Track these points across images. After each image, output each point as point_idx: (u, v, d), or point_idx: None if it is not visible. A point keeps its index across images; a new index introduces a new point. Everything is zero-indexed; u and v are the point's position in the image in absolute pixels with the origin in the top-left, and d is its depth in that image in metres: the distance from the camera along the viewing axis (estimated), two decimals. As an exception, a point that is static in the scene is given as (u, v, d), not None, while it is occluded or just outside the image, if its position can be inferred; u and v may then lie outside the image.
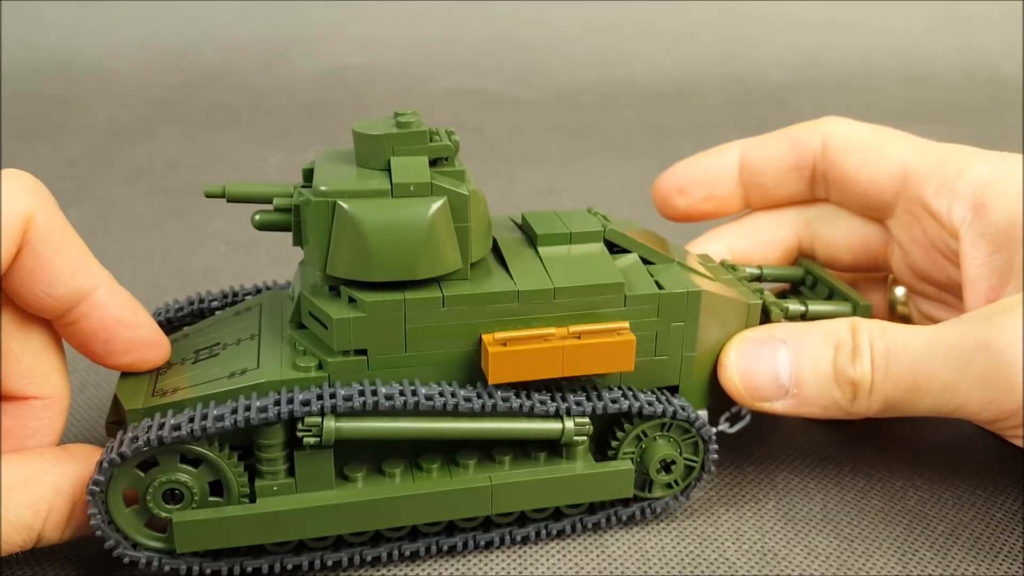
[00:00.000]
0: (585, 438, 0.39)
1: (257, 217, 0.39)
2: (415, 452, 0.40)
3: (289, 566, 0.39)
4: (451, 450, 0.40)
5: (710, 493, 0.45)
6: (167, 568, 0.37)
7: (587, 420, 0.39)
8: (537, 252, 0.41)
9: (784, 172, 0.48)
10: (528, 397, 0.38)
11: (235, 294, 0.48)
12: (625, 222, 0.47)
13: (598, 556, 0.41)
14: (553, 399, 0.39)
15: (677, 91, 1.14)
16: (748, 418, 0.45)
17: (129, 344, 0.39)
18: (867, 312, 0.45)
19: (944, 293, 0.45)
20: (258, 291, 0.48)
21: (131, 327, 0.39)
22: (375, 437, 0.37)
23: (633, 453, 0.41)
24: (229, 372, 0.38)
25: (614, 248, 0.42)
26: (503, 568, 0.40)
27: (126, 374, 0.40)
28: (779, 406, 0.41)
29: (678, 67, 1.20)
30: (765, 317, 0.43)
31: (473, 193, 0.38)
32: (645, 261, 0.42)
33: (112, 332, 0.38)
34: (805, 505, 0.44)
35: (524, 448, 0.40)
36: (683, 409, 0.40)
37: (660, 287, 0.40)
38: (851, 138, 0.46)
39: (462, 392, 0.38)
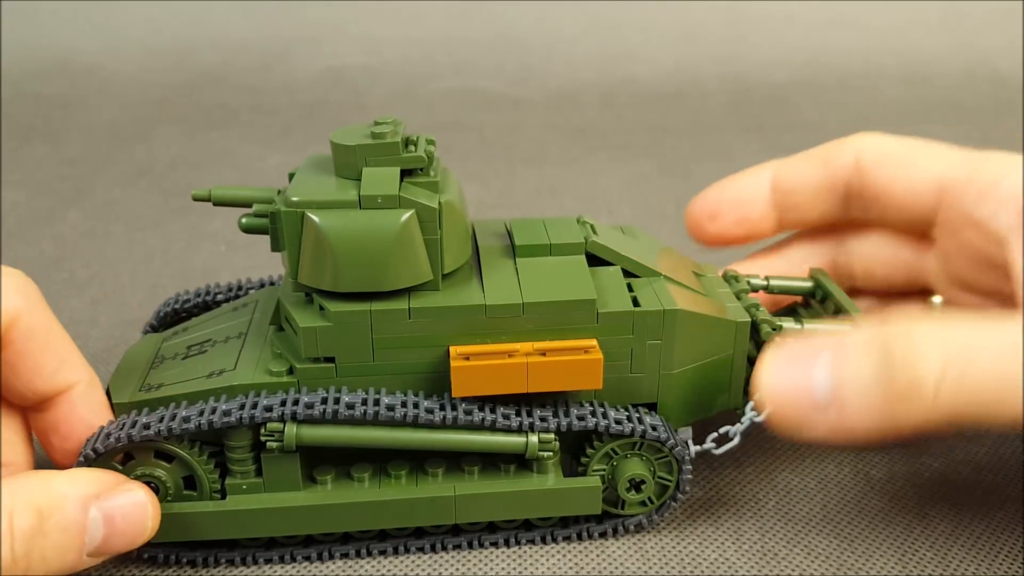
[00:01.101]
0: (551, 453, 0.39)
1: (243, 220, 0.39)
2: (384, 458, 0.40)
3: (260, 559, 0.40)
4: (420, 458, 0.40)
5: (710, 493, 0.45)
6: (145, 556, 0.40)
7: (552, 436, 0.39)
8: (515, 263, 0.40)
9: (818, 192, 0.47)
10: (492, 411, 0.38)
11: (239, 287, 0.49)
12: (627, 229, 0.46)
13: (598, 556, 0.41)
14: (519, 414, 0.38)
15: (677, 91, 1.14)
16: (737, 440, 0.42)
17: (81, 448, 0.38)
18: None
19: (989, 302, 0.44)
20: (262, 285, 0.49)
21: (92, 430, 0.38)
22: (336, 444, 0.38)
23: (604, 470, 0.40)
24: (208, 372, 0.40)
25: (599, 260, 0.41)
26: (503, 568, 0.40)
27: (121, 367, 0.42)
28: (818, 428, 0.35)
29: (678, 67, 1.20)
30: (756, 334, 0.42)
31: (446, 204, 0.38)
32: (629, 274, 0.41)
33: (74, 428, 0.38)
34: (805, 505, 0.44)
35: (493, 460, 0.40)
36: (653, 429, 0.39)
37: (637, 303, 0.39)
38: (884, 152, 0.45)
39: (425, 404, 0.38)
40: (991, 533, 0.42)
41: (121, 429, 0.37)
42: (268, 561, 0.40)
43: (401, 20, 1.27)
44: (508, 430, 0.38)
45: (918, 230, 0.46)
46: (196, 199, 0.40)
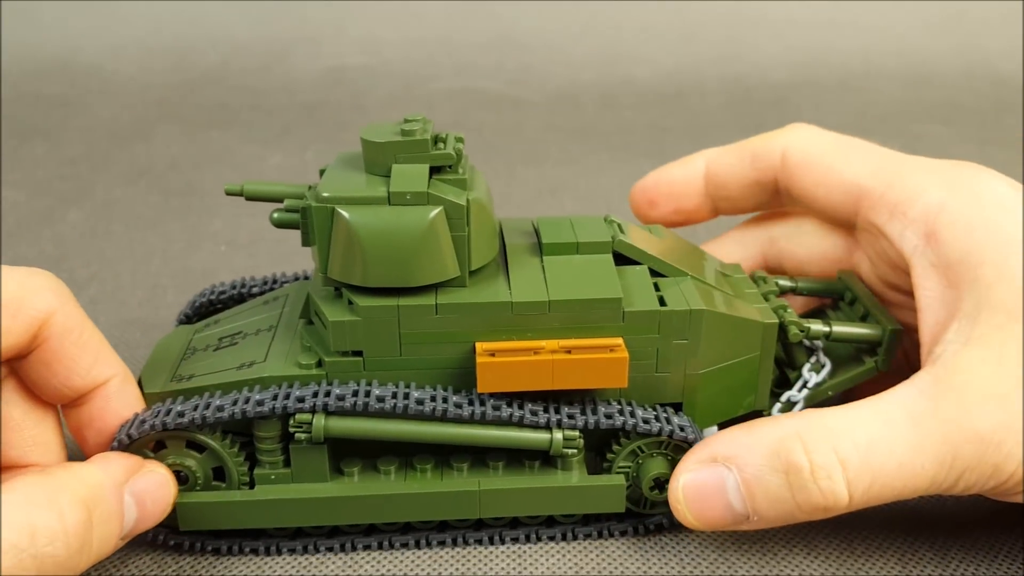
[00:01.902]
0: (576, 451, 0.39)
1: (275, 215, 0.40)
2: (410, 452, 0.40)
3: (285, 550, 0.40)
4: (446, 452, 0.40)
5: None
6: (171, 543, 0.40)
7: (577, 433, 0.39)
8: (542, 261, 0.41)
9: (747, 186, 0.47)
10: (520, 408, 0.38)
11: (274, 280, 0.50)
12: (655, 229, 0.46)
13: (598, 556, 0.41)
14: (546, 411, 0.39)
15: (677, 91, 1.14)
16: None
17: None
18: (897, 337, 0.43)
19: (913, 300, 0.44)
20: (296, 279, 0.49)
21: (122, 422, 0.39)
22: (364, 436, 0.38)
23: (629, 468, 0.40)
24: (239, 363, 0.40)
25: (627, 259, 0.41)
26: (503, 568, 0.40)
27: (153, 358, 0.43)
28: (745, 527, 0.37)
29: (678, 67, 1.20)
30: (784, 336, 0.42)
31: (474, 202, 0.38)
32: (656, 274, 0.41)
33: (108, 423, 0.39)
34: (805, 505, 0.44)
35: (518, 456, 0.40)
36: (681, 429, 0.39)
37: (663, 303, 0.39)
38: (808, 153, 0.45)
39: (453, 398, 0.38)
40: (991, 533, 0.42)
41: (155, 416, 0.38)
42: (292, 551, 0.41)
43: (401, 20, 1.27)
44: (536, 426, 0.38)
45: (844, 230, 0.46)
46: (229, 194, 0.40)
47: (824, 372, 0.43)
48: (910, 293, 0.42)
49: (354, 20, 1.27)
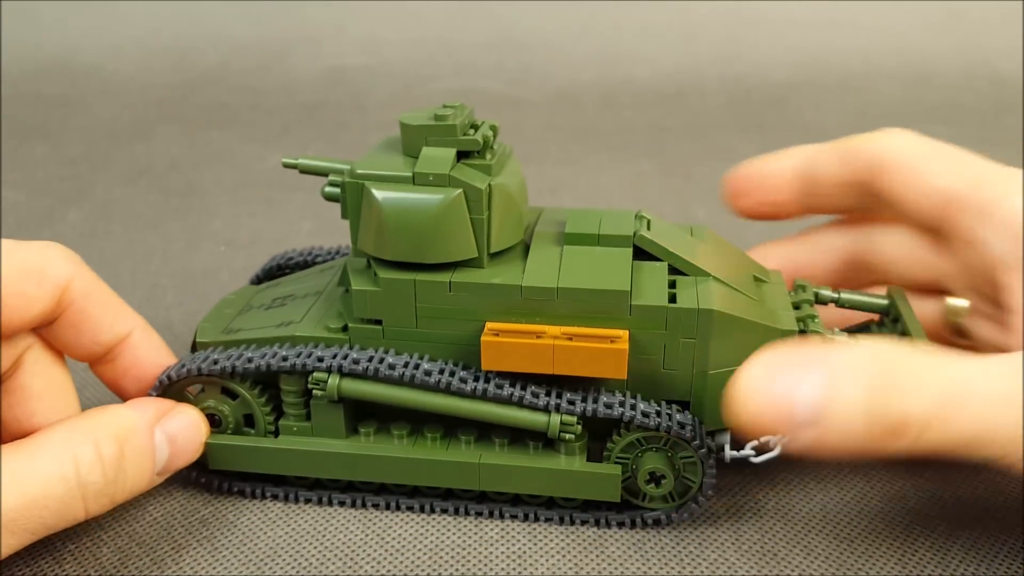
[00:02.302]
0: (574, 436, 0.40)
1: (325, 189, 0.42)
2: (422, 420, 0.43)
3: (302, 498, 0.44)
4: (454, 424, 0.42)
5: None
6: (202, 480, 0.44)
7: (575, 419, 0.39)
8: (562, 250, 0.42)
9: (839, 186, 0.47)
10: (522, 388, 0.40)
11: (338, 251, 0.54)
12: (697, 229, 0.46)
13: (598, 556, 0.41)
14: (547, 394, 0.40)
15: (677, 91, 1.14)
16: (777, 451, 0.39)
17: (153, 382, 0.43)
18: None
19: (1001, 312, 0.43)
20: None
21: (163, 368, 0.43)
22: (373, 399, 0.41)
23: (628, 459, 0.41)
24: (279, 322, 0.44)
25: (651, 256, 0.42)
26: (503, 568, 0.40)
27: (213, 312, 0.47)
28: (795, 444, 0.34)
29: (678, 67, 1.20)
30: None
31: (496, 187, 0.40)
32: (679, 272, 0.41)
33: (143, 370, 0.43)
34: (805, 505, 0.44)
35: (521, 436, 0.41)
36: (681, 426, 0.39)
37: (674, 300, 0.39)
38: (903, 156, 0.45)
39: (460, 373, 0.40)
40: (991, 533, 0.42)
41: (194, 363, 0.42)
42: (308, 501, 0.44)
43: (401, 20, 1.27)
44: (534, 408, 0.40)
45: (933, 235, 0.45)
46: (286, 166, 0.43)
47: None
48: (997, 304, 0.42)
49: (354, 20, 1.27)
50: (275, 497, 0.44)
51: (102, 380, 0.44)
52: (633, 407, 0.40)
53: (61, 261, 0.39)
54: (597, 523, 0.42)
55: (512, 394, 0.40)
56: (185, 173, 0.89)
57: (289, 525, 0.42)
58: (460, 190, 0.39)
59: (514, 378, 0.40)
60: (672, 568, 0.40)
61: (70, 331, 0.41)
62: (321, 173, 0.43)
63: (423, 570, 0.40)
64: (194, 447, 0.41)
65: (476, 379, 0.40)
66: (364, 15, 1.27)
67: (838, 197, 0.47)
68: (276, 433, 0.43)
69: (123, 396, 0.44)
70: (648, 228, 0.42)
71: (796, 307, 0.43)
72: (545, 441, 0.41)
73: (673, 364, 0.40)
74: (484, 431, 0.42)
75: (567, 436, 0.40)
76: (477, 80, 1.17)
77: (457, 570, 0.40)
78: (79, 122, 1.04)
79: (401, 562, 0.40)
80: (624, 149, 0.96)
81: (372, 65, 1.20)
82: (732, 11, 1.27)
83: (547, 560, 0.40)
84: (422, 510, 0.43)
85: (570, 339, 0.38)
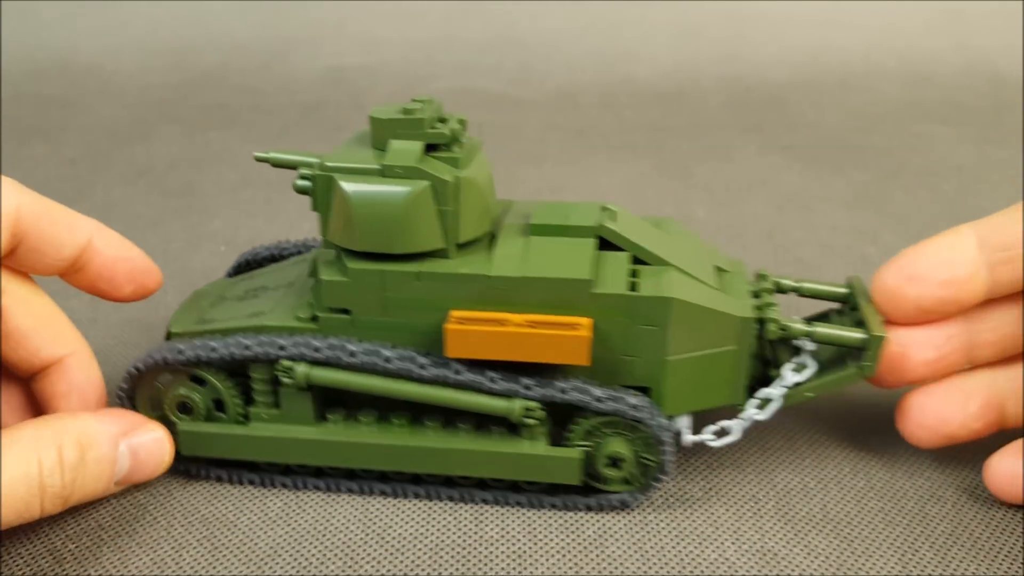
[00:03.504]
0: (536, 421, 0.41)
1: (297, 182, 0.43)
2: (391, 406, 0.44)
3: (278, 484, 0.45)
4: (421, 411, 0.43)
5: (709, 493, 0.45)
6: (180, 468, 0.45)
7: (537, 404, 0.40)
8: (529, 241, 0.42)
9: None
10: (481, 374, 0.41)
11: (304, 244, 0.55)
12: (663, 221, 0.47)
13: (598, 556, 0.41)
14: (505, 379, 0.41)
15: (677, 91, 1.14)
16: (736, 436, 0.44)
17: (129, 275, 0.45)
18: (878, 345, 0.42)
19: None
20: None
21: (127, 260, 0.45)
22: (339, 387, 0.42)
23: (589, 445, 0.42)
24: (250, 313, 0.45)
25: (615, 246, 0.43)
26: (503, 568, 0.40)
27: (187, 303, 0.48)
28: None
29: (678, 67, 1.20)
30: (766, 332, 0.42)
31: (463, 180, 0.41)
32: (640, 262, 0.42)
33: (113, 269, 0.44)
34: (805, 505, 0.44)
35: (486, 421, 0.43)
36: (634, 408, 0.40)
37: (634, 288, 0.40)
38: None
39: (420, 359, 0.41)
40: (991, 533, 0.42)
41: (160, 353, 0.43)
42: (284, 486, 0.45)
43: (401, 20, 1.27)
44: (491, 393, 0.41)
45: None
46: (258, 160, 0.44)
47: (806, 373, 0.43)
48: None
49: (354, 20, 1.27)
50: (251, 483, 0.45)
51: (79, 288, 0.45)
52: (587, 392, 0.41)
53: (6, 189, 0.40)
54: (565, 506, 0.43)
55: (470, 379, 0.41)
56: (185, 173, 0.89)
57: (289, 525, 0.42)
58: (427, 182, 0.40)
59: (478, 365, 0.41)
60: (672, 568, 0.40)
61: (33, 255, 0.42)
62: (292, 167, 0.44)
63: (423, 570, 0.40)
64: (156, 463, 0.42)
65: (436, 365, 0.41)
66: (364, 15, 1.27)
67: None
68: (247, 420, 0.44)
69: (103, 296, 0.45)
70: (613, 220, 0.43)
71: (756, 295, 0.44)
72: (510, 427, 0.42)
73: (634, 351, 0.41)
74: (450, 417, 0.43)
75: (530, 421, 0.41)
76: (477, 80, 1.17)
77: (457, 570, 0.40)
78: (79, 122, 1.04)
79: (401, 562, 0.40)
80: (624, 149, 0.96)
81: (372, 65, 1.20)
82: (732, 10, 1.28)
83: (547, 560, 0.40)
84: (394, 494, 0.44)
85: (532, 327, 0.39)
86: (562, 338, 0.39)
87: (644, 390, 0.42)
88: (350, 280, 0.41)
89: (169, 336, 0.45)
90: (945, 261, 0.42)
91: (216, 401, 0.44)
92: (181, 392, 0.44)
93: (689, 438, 0.43)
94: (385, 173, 0.40)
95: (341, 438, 0.43)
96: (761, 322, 0.42)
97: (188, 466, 0.45)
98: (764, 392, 0.43)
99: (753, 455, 0.48)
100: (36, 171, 0.89)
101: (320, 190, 0.41)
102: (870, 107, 1.08)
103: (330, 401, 0.44)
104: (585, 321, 0.40)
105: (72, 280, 0.45)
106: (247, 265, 0.55)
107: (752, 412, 0.43)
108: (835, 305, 0.48)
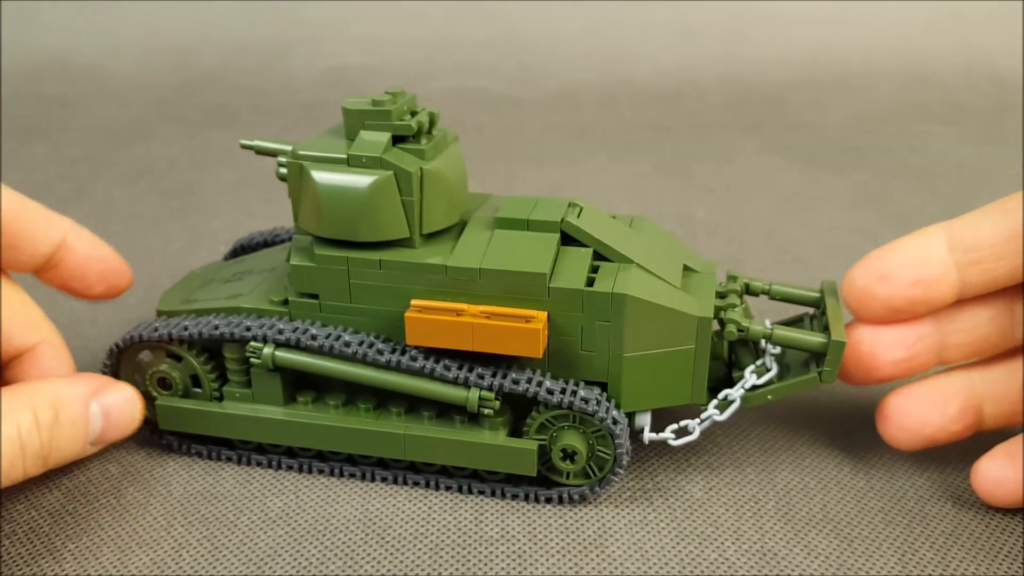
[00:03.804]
0: (492, 411, 0.42)
1: (279, 170, 0.44)
2: (358, 391, 0.45)
3: (253, 461, 0.46)
4: (387, 397, 0.45)
5: (710, 494, 0.45)
6: (164, 441, 0.47)
7: (492, 395, 0.41)
8: (493, 233, 0.43)
9: (1004, 243, 0.41)
10: (436, 362, 0.42)
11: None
12: (637, 220, 0.47)
13: (598, 556, 0.41)
14: (459, 368, 0.41)
15: (677, 91, 1.14)
16: (696, 435, 0.44)
17: (101, 274, 0.47)
18: (838, 350, 0.42)
19: None
20: None
21: (100, 260, 0.47)
22: (303, 369, 0.43)
23: (544, 438, 0.42)
24: (230, 294, 0.47)
25: (580, 242, 0.43)
26: (503, 568, 0.40)
27: (179, 283, 0.50)
28: None
29: (678, 67, 1.20)
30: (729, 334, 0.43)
31: (426, 172, 0.42)
32: (602, 258, 0.43)
33: (86, 267, 0.47)
34: (805, 505, 0.44)
35: (448, 410, 0.44)
36: (584, 401, 0.41)
37: (592, 284, 0.41)
38: None
39: (378, 345, 0.42)
40: (991, 533, 0.42)
41: (138, 330, 0.45)
42: (259, 464, 0.46)
43: (401, 20, 1.27)
44: (444, 380, 0.42)
45: None
46: (243, 147, 0.45)
47: (767, 376, 0.43)
48: None
49: (354, 20, 1.27)
50: (229, 459, 0.47)
51: (52, 285, 0.47)
52: (539, 384, 0.41)
53: None
54: (526, 497, 0.44)
55: (424, 366, 0.41)
56: (185, 173, 0.89)
57: (289, 525, 0.43)
58: (391, 172, 0.41)
59: (437, 354, 0.42)
60: (672, 568, 0.40)
61: (10, 252, 0.44)
62: (272, 154, 0.45)
63: (423, 570, 0.40)
64: (128, 421, 0.43)
65: (393, 352, 0.42)
66: (364, 15, 1.27)
67: (1003, 256, 0.42)
68: (222, 398, 0.46)
69: (75, 294, 0.47)
70: (578, 216, 0.43)
71: (722, 296, 0.44)
72: (472, 417, 0.43)
73: (590, 346, 0.42)
74: (414, 404, 0.44)
75: (486, 411, 0.42)
76: (477, 80, 1.17)
77: (457, 570, 0.40)
78: (79, 122, 1.04)
79: (401, 562, 0.40)
80: (624, 149, 0.96)
81: (372, 65, 1.20)
82: (732, 10, 1.28)
83: (547, 560, 0.40)
84: (363, 478, 0.45)
85: (487, 317, 0.40)
86: (515, 330, 0.40)
87: (603, 386, 0.43)
88: (317, 266, 0.43)
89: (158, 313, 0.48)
90: (915, 261, 0.42)
91: (194, 378, 0.46)
92: (161, 368, 0.46)
93: (649, 436, 0.44)
94: (351, 162, 0.41)
95: (308, 420, 0.44)
96: (721, 323, 0.43)
97: (170, 440, 0.47)
98: (725, 392, 0.44)
99: (753, 455, 0.48)
100: (36, 171, 0.89)
101: (291, 177, 0.43)
102: (870, 107, 1.08)
103: (302, 384, 0.45)
104: (540, 314, 0.40)
105: (45, 277, 0.46)
106: (242, 249, 0.56)
107: (711, 412, 0.43)
108: (811, 310, 0.48)
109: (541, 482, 0.44)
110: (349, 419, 0.44)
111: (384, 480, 0.45)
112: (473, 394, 0.41)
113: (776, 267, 0.69)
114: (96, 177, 0.88)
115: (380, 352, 0.42)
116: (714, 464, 0.47)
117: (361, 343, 0.42)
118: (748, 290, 0.47)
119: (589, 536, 0.42)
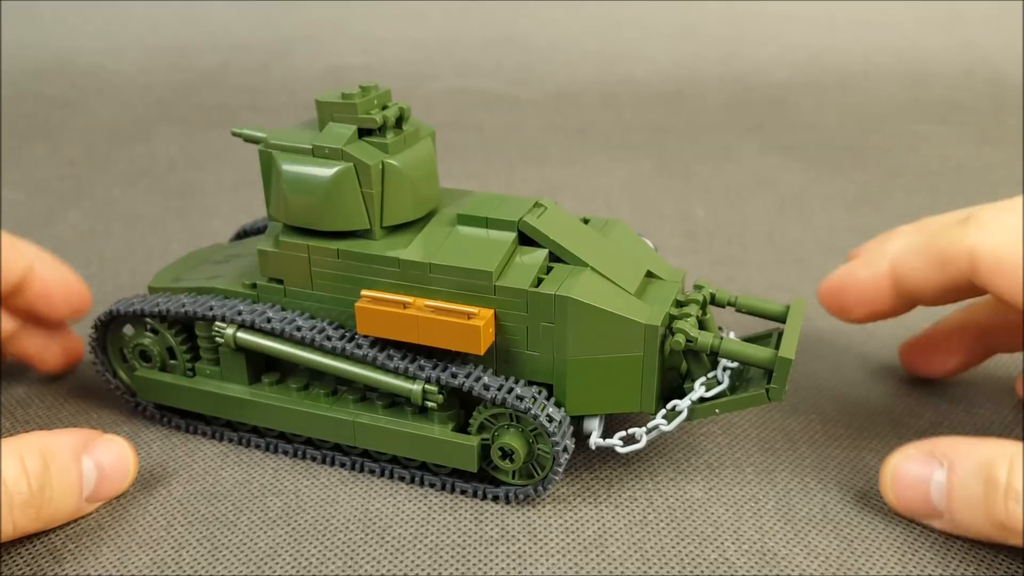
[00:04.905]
0: (436, 405, 0.42)
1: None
2: (318, 377, 0.46)
3: (226, 438, 0.48)
4: (342, 384, 0.46)
5: (710, 494, 0.45)
6: (146, 413, 0.50)
7: (436, 389, 0.42)
8: (453, 229, 0.44)
9: (940, 291, 0.45)
10: (381, 351, 0.43)
11: None
12: (610, 224, 0.47)
13: (598, 556, 0.41)
14: (402, 359, 0.43)
15: (676, 91, 1.14)
16: (643, 443, 0.43)
17: (65, 298, 0.49)
18: (785, 366, 0.40)
19: None
20: None
21: (64, 284, 0.49)
22: (260, 351, 0.45)
23: (487, 436, 0.43)
24: (211, 275, 0.48)
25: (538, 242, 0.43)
26: (503, 568, 0.40)
27: (176, 263, 0.52)
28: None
29: (678, 67, 1.20)
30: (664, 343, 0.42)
31: (387, 165, 0.43)
32: (557, 259, 0.43)
33: (51, 291, 0.49)
34: (805, 505, 0.44)
35: (399, 401, 0.45)
36: (519, 399, 0.41)
37: (538, 286, 0.41)
38: (998, 261, 0.41)
39: (328, 331, 0.44)
40: (991, 533, 0.42)
41: (117, 305, 0.47)
42: (230, 440, 0.48)
43: (401, 20, 1.27)
44: (387, 370, 0.43)
45: None
46: (234, 135, 0.46)
47: (717, 389, 0.43)
48: None
49: (354, 20, 1.27)
50: (204, 434, 0.49)
51: (15, 309, 0.49)
52: (477, 379, 0.41)
53: None
54: (475, 493, 0.44)
55: (367, 355, 0.43)
56: (185, 173, 0.89)
57: (289, 525, 0.43)
58: (351, 164, 0.42)
59: (379, 342, 0.43)
60: (672, 568, 0.40)
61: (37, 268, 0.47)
62: (256, 142, 0.46)
63: (423, 570, 0.40)
64: (123, 475, 0.43)
65: (342, 339, 0.43)
66: (364, 15, 1.27)
67: (943, 298, 0.46)
68: (194, 373, 0.48)
69: (40, 317, 0.49)
70: (538, 216, 0.44)
71: (681, 305, 0.43)
72: (421, 409, 0.44)
73: (535, 347, 0.42)
74: (365, 393, 0.45)
75: (430, 404, 0.42)
76: (477, 80, 1.17)
77: (457, 570, 0.40)
78: (79, 122, 1.04)
79: (401, 562, 0.40)
80: (624, 149, 0.96)
81: (372, 65, 1.21)
82: (732, 11, 1.28)
83: (547, 560, 0.40)
84: (324, 461, 0.46)
85: (432, 312, 0.41)
86: (457, 326, 0.40)
87: (550, 388, 0.43)
88: (281, 251, 0.44)
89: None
90: (866, 300, 0.47)
91: (170, 351, 0.48)
92: (142, 342, 0.48)
93: (596, 441, 0.44)
94: (315, 153, 0.42)
95: (267, 400, 0.46)
96: (671, 332, 0.41)
97: (153, 412, 0.49)
98: (674, 403, 0.43)
99: (753, 455, 0.48)
100: (36, 171, 0.89)
101: (263, 165, 0.44)
102: (870, 107, 1.08)
103: (270, 366, 0.47)
104: (485, 312, 0.41)
105: (11, 303, 0.48)
106: (244, 234, 0.57)
107: (659, 422, 0.43)
108: (780, 325, 0.46)
109: (493, 480, 0.44)
110: (305, 403, 0.45)
111: (343, 465, 0.46)
112: (417, 386, 0.42)
113: (776, 267, 0.69)
114: (96, 177, 0.88)
115: (328, 338, 0.43)
116: (714, 464, 0.47)
117: (312, 328, 0.44)
118: (714, 300, 0.46)
119: (589, 536, 0.42)
